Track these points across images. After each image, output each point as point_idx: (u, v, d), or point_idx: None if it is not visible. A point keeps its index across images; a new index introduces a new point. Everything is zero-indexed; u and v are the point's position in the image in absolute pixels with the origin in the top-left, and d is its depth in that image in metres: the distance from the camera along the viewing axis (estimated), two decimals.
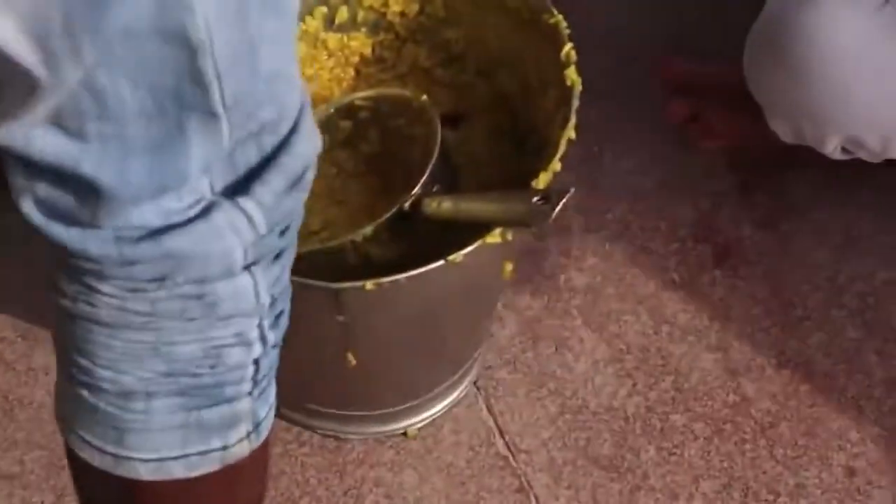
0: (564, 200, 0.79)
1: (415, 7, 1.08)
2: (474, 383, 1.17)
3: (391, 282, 0.88)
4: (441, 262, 0.87)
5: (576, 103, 0.93)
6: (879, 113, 1.11)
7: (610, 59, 1.31)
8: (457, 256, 0.86)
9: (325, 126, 1.04)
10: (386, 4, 1.09)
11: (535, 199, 0.83)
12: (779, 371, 1.16)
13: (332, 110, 1.04)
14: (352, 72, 1.11)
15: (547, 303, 1.23)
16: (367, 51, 1.09)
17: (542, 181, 0.89)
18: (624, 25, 1.38)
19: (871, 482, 1.09)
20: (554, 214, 0.79)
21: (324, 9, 1.08)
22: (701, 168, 1.27)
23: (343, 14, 1.09)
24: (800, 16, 1.09)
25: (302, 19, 1.08)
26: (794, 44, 1.09)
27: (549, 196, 0.81)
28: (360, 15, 1.08)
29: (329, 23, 1.09)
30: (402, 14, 1.09)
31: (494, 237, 0.86)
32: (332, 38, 1.10)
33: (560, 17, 0.97)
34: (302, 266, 0.93)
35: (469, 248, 0.86)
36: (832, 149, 1.13)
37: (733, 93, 1.17)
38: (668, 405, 1.14)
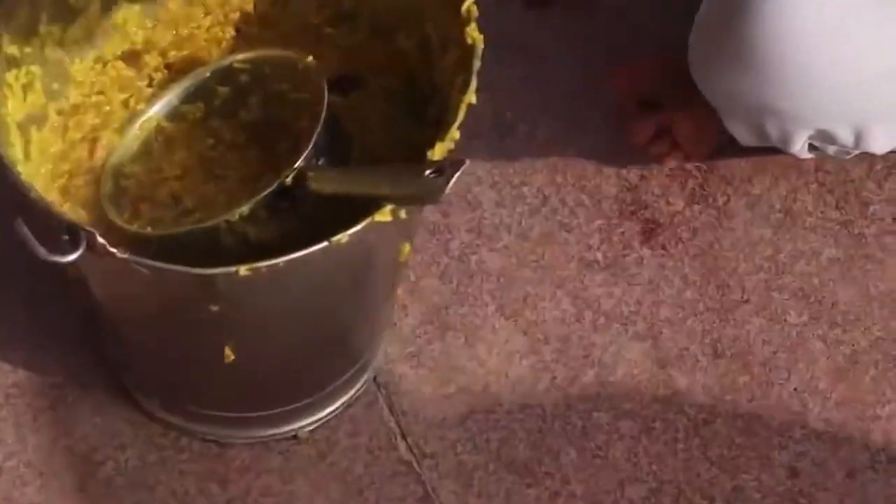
0: (459, 173, 0.74)
1: None
2: (374, 379, 1.14)
3: (269, 266, 0.81)
4: (325, 244, 0.80)
5: (477, 64, 0.87)
6: (853, 100, 1.08)
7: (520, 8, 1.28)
8: (342, 237, 0.79)
9: (201, 92, 1.02)
10: None
11: (427, 171, 0.77)
12: (714, 361, 1.12)
13: (207, 74, 1.02)
14: (231, 31, 1.06)
15: (456, 288, 1.19)
16: (249, 7, 1.04)
17: (438, 152, 0.83)
18: None
19: (816, 484, 1.06)
20: (448, 189, 0.74)
21: None
22: (628, 136, 1.22)
23: None
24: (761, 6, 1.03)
25: None
26: (750, 28, 1.04)
27: (442, 169, 0.75)
28: None
29: None
30: None
31: (384, 215, 0.79)
32: None
33: None
34: (173, 249, 0.89)
35: (356, 228, 0.79)
36: (800, 147, 1.09)
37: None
38: (590, 401, 1.10)
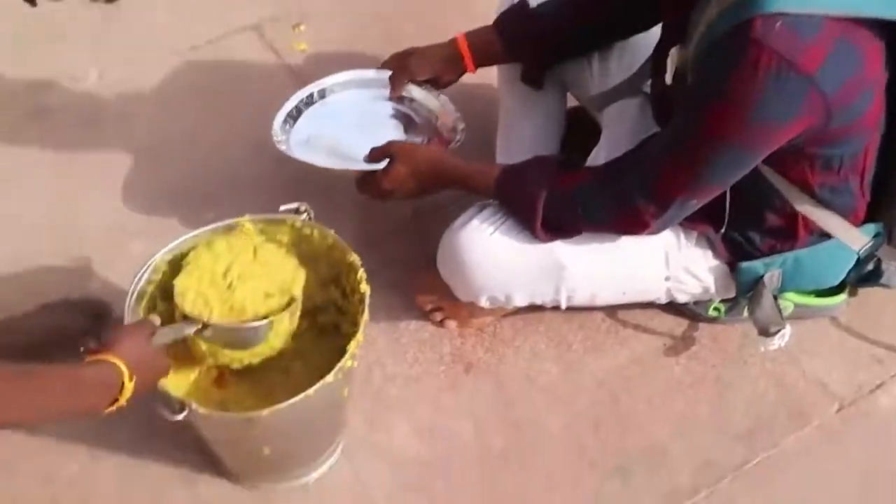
0: None
1: None
2: (342, 452, 1.77)
3: (278, 409, 1.43)
4: (302, 395, 1.44)
5: (367, 301, 1.58)
6: (495, 283, 1.76)
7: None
8: (311, 390, 1.43)
9: None
10: None
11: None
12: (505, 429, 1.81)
13: None
14: None
15: (373, 407, 1.86)
16: None
17: (353, 346, 1.51)
18: None
19: None
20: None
21: None
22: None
23: None
24: (456, 238, 1.75)
25: None
26: (456, 253, 1.76)
27: None
28: None
29: None
30: None
31: (330, 378, 1.45)
32: None
33: (356, 256, 1.61)
34: None
35: (317, 385, 1.44)
36: (483, 301, 1.79)
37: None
38: None
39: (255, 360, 1.60)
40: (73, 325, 1.86)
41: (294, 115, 1.96)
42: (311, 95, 1.99)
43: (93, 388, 1.32)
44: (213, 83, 2.45)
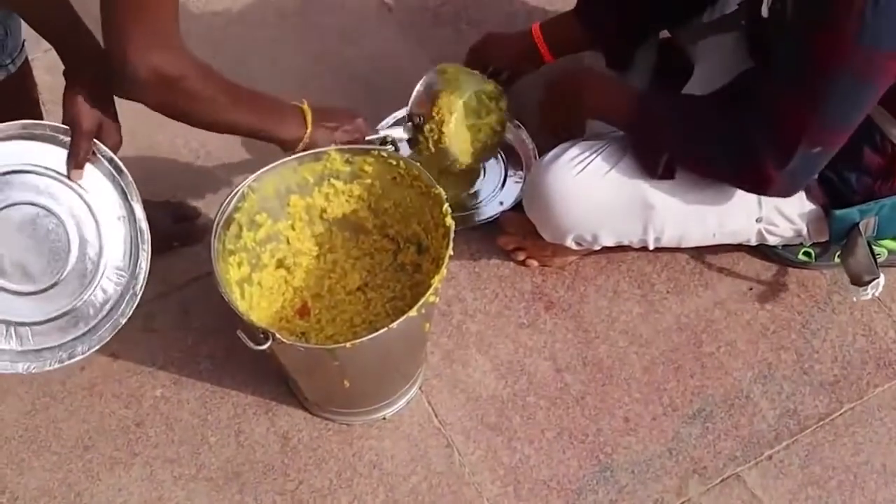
0: None
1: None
2: (419, 388, 1.78)
3: (360, 342, 1.41)
4: (385, 329, 1.42)
5: (452, 234, 1.52)
6: (582, 221, 1.75)
7: None
8: (394, 325, 1.41)
9: None
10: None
11: None
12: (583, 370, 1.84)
13: None
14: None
15: (454, 341, 1.85)
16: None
17: (437, 281, 1.47)
18: None
19: None
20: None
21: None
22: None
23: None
24: (543, 176, 1.74)
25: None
26: (543, 191, 1.75)
27: None
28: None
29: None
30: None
31: (413, 313, 1.43)
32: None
33: (440, 189, 1.56)
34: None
35: (401, 319, 1.41)
36: (569, 241, 1.78)
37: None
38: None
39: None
40: (160, 225, 1.87)
41: None
42: None
43: (288, 115, 1.58)
44: (300, 8, 2.42)
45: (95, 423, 1.77)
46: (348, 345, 1.42)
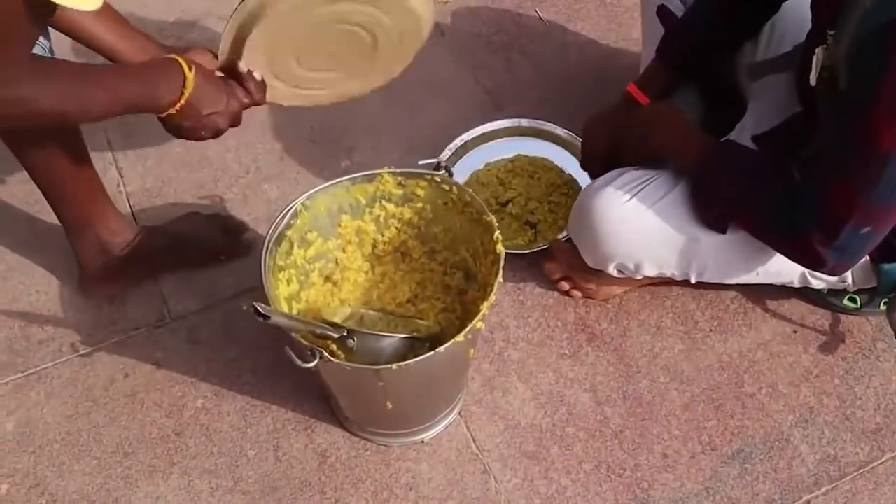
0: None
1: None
2: (459, 413, 1.77)
3: (406, 364, 1.42)
4: (432, 353, 1.43)
5: (502, 262, 1.52)
6: (626, 249, 1.74)
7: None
8: (440, 349, 1.42)
9: None
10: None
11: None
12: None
13: None
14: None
15: (495, 368, 1.85)
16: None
17: (485, 307, 1.47)
18: None
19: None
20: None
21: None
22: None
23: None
24: (591, 201, 1.73)
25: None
26: (590, 216, 1.73)
27: None
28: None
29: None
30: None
31: (460, 338, 1.44)
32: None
33: (492, 217, 1.56)
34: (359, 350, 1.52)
35: (448, 343, 1.42)
36: (612, 268, 1.77)
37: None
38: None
39: None
40: (208, 237, 1.91)
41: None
42: None
43: (160, 74, 1.43)
44: None
45: (136, 430, 1.79)
46: (394, 366, 1.43)
